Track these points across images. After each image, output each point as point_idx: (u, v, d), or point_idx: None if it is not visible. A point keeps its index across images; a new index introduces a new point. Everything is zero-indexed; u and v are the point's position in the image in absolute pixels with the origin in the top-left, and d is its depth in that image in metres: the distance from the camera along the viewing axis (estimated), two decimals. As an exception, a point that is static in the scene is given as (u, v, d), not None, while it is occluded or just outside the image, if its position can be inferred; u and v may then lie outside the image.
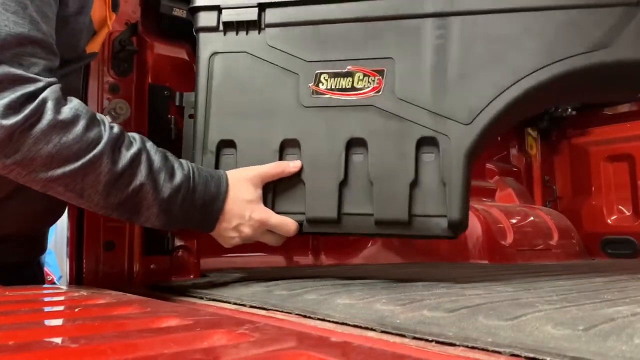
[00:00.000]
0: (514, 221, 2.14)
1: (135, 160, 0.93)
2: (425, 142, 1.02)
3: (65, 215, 1.35)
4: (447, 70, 1.03)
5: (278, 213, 1.07)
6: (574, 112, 2.49)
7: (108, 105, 1.36)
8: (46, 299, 0.95)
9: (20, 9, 0.87)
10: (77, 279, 1.32)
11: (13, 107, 0.83)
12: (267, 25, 1.13)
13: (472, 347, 0.59)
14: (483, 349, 0.58)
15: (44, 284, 1.38)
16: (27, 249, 1.24)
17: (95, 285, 1.26)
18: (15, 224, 1.14)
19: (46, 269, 3.21)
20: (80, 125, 0.89)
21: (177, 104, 1.28)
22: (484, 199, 2.42)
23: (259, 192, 1.06)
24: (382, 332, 0.69)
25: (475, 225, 2.01)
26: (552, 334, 0.58)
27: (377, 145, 1.04)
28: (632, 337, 0.54)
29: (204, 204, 1.01)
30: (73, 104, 0.90)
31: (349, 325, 0.74)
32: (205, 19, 1.15)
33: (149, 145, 0.97)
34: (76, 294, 0.93)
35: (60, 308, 0.85)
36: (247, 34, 1.14)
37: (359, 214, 1.05)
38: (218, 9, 1.14)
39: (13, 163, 0.86)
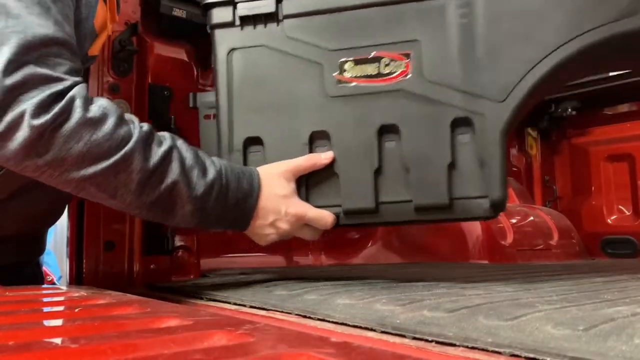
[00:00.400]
0: (514, 221, 2.14)
1: (167, 157, 0.92)
2: (460, 123, 1.01)
3: (65, 216, 1.35)
4: (476, 48, 1.01)
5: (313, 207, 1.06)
6: (574, 112, 2.49)
7: (108, 105, 1.35)
8: (46, 299, 0.95)
9: (43, 11, 0.87)
10: (77, 279, 1.32)
11: (42, 107, 0.82)
12: (285, 17, 1.10)
13: (472, 347, 0.59)
14: (483, 349, 0.58)
15: (43, 283, 1.38)
16: (26, 249, 1.24)
17: (95, 285, 1.26)
18: (16, 225, 1.14)
19: (46, 269, 3.22)
20: (110, 122, 0.88)
21: (191, 105, 1.25)
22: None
23: (293, 186, 1.04)
24: (382, 332, 0.69)
25: (475, 225, 2.01)
26: (552, 334, 0.58)
27: (410, 130, 1.03)
28: (632, 337, 0.54)
29: (238, 202, 0.99)
30: (101, 102, 0.90)
31: (349, 325, 0.73)
32: (221, 15, 1.13)
33: (180, 142, 0.96)
34: (76, 294, 0.93)
35: (60, 308, 0.85)
36: (265, 27, 1.11)
37: (397, 202, 1.03)
38: (233, 3, 1.12)
39: (45, 164, 0.85)
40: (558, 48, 0.99)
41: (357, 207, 1.05)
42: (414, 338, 0.64)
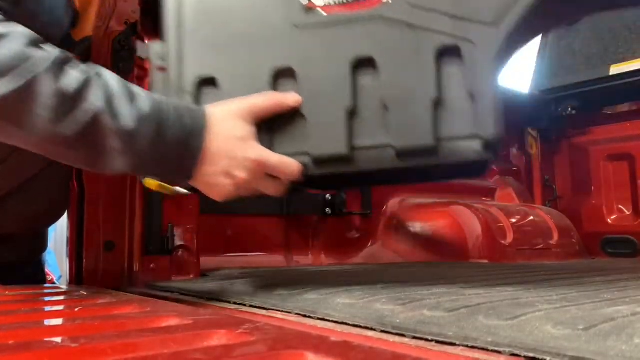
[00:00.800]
0: (514, 220, 2.14)
1: (87, 82, 0.79)
2: (447, 52, 0.87)
3: (65, 216, 1.35)
4: None
5: None
6: (574, 112, 2.49)
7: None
8: (46, 299, 0.95)
9: None
10: (77, 278, 1.32)
11: None
12: None
13: (472, 347, 0.59)
14: (483, 349, 0.58)
15: (44, 283, 1.38)
16: (27, 248, 1.24)
17: (95, 285, 1.26)
18: (16, 224, 1.14)
19: (46, 268, 3.22)
20: (17, 40, 0.76)
21: (139, 55, 1.10)
22: (484, 198, 2.43)
23: (251, 128, 0.88)
24: (382, 331, 0.69)
25: (475, 225, 2.01)
26: (552, 334, 0.58)
27: (389, 62, 0.89)
28: (632, 336, 0.54)
29: (178, 141, 0.83)
30: (11, 24, 0.79)
31: (349, 324, 0.73)
32: None
33: (108, 72, 0.83)
34: (76, 294, 0.93)
35: (60, 308, 0.85)
36: None
37: (375, 146, 0.88)
38: None
39: None
40: None
41: (327, 154, 0.89)
42: (414, 337, 0.64)
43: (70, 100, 0.77)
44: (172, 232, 1.42)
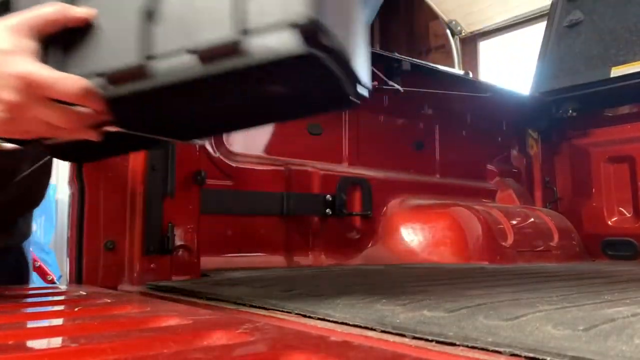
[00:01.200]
0: (514, 222, 2.14)
1: None
2: None
3: (65, 215, 1.35)
4: None
5: None
6: (574, 113, 2.49)
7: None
8: (46, 299, 0.95)
9: None
10: (77, 278, 1.32)
11: None
12: None
13: (472, 347, 0.59)
14: (483, 349, 0.58)
15: (29, 272, 1.37)
16: (5, 235, 1.22)
17: (96, 284, 1.26)
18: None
19: (46, 268, 3.22)
20: None
21: None
22: (484, 200, 2.43)
23: (27, 42, 0.73)
24: (382, 331, 0.69)
25: (475, 226, 2.01)
26: (553, 334, 0.58)
27: None
28: (633, 337, 0.54)
29: None
30: None
31: (349, 324, 0.73)
32: None
33: None
34: (76, 294, 0.93)
35: (60, 307, 0.85)
36: None
37: (173, 53, 0.71)
38: None
39: None
40: None
41: (117, 68, 0.73)
42: (414, 337, 0.64)
43: None
44: (172, 232, 1.42)
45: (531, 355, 0.54)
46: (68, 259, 1.35)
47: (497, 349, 0.57)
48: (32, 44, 0.73)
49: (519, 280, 1.14)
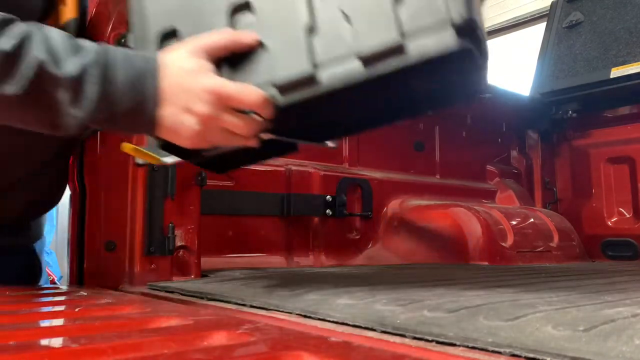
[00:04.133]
0: (514, 223, 2.14)
1: (26, 36, 0.77)
2: None
3: (66, 216, 1.35)
4: None
5: None
6: (574, 114, 2.49)
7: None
8: (47, 299, 0.95)
9: None
10: (78, 279, 1.32)
11: None
12: None
13: (473, 348, 0.59)
14: (483, 349, 0.58)
15: (40, 274, 1.38)
16: (12, 236, 1.23)
17: (96, 285, 1.26)
18: (14, 212, 1.14)
19: (47, 269, 3.22)
20: None
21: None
22: (484, 201, 2.43)
23: (204, 62, 0.83)
24: (383, 332, 0.69)
25: (475, 227, 2.01)
26: (553, 335, 0.58)
27: None
28: (633, 337, 0.54)
29: (130, 83, 0.79)
30: None
31: (349, 325, 0.73)
32: None
33: (51, 28, 0.80)
34: (77, 294, 0.94)
35: (61, 308, 0.85)
36: None
37: (339, 58, 0.80)
38: None
39: None
40: None
41: (290, 77, 0.82)
42: (414, 338, 0.64)
43: (12, 57, 0.76)
44: (173, 233, 1.42)
45: (531, 355, 0.54)
46: (69, 260, 1.35)
47: (497, 349, 0.57)
48: (210, 65, 0.83)
49: (519, 280, 1.14)
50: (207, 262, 1.50)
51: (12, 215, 1.16)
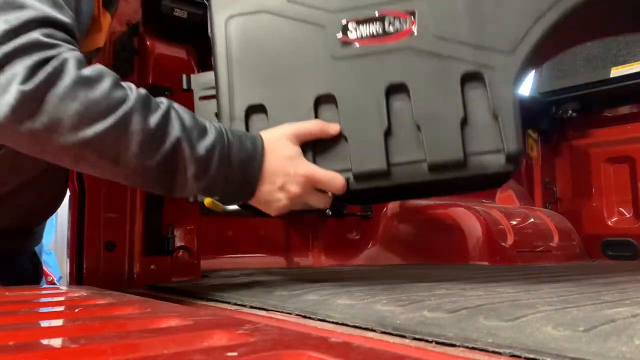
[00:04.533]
0: (514, 223, 2.14)
1: (166, 116, 0.88)
2: (470, 77, 0.98)
3: (65, 216, 1.35)
4: (482, 1, 1.00)
5: None
6: (574, 114, 2.49)
7: (109, 105, 1.35)
8: (46, 300, 0.95)
9: None
10: (77, 279, 1.32)
11: (34, 68, 0.80)
12: None
13: (472, 348, 0.59)
14: (483, 350, 0.58)
15: (41, 276, 1.38)
16: (21, 240, 1.24)
17: (96, 285, 1.26)
18: (9, 219, 1.15)
19: (46, 269, 3.21)
20: (106, 82, 0.84)
21: (185, 87, 1.20)
22: (484, 200, 2.43)
23: (298, 148, 0.99)
24: (382, 332, 0.69)
25: (475, 227, 2.01)
26: (553, 335, 0.58)
27: (419, 87, 0.99)
28: (633, 338, 0.54)
29: (242, 164, 0.94)
30: (97, 65, 0.87)
31: (349, 325, 0.73)
32: None
33: (177, 105, 0.93)
34: (76, 295, 0.93)
35: (61, 308, 0.84)
36: None
37: (410, 162, 0.99)
38: None
39: (41, 127, 0.80)
40: None
41: (367, 170, 1.00)
42: (414, 338, 0.64)
43: (157, 135, 0.86)
44: (172, 233, 1.42)
45: (531, 356, 0.54)
46: (68, 260, 1.35)
47: (497, 350, 0.57)
48: (299, 149, 0.99)
49: (519, 280, 1.14)
50: (207, 262, 1.50)
51: (18, 219, 1.16)
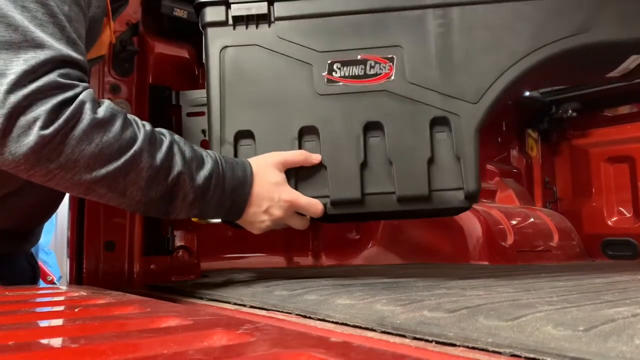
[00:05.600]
0: (514, 222, 2.14)
1: (170, 152, 0.96)
2: (438, 122, 1.11)
3: (65, 216, 1.35)
4: (452, 55, 1.12)
5: None
6: (574, 114, 2.49)
7: (109, 105, 1.35)
8: (46, 299, 0.95)
9: (58, 30, 0.90)
10: (77, 279, 1.32)
11: (54, 113, 0.84)
12: (276, 19, 1.16)
13: (473, 348, 0.59)
14: (483, 350, 0.58)
15: (39, 276, 1.38)
16: (19, 241, 1.24)
17: (96, 285, 1.26)
18: (9, 220, 1.15)
19: (46, 268, 3.21)
20: (118, 123, 0.91)
21: (173, 102, 1.29)
22: (484, 200, 2.43)
23: (283, 175, 1.09)
24: (383, 332, 0.69)
25: (475, 227, 2.01)
26: (553, 335, 0.58)
27: (393, 127, 1.11)
28: (633, 337, 0.54)
29: (234, 189, 1.03)
30: (106, 104, 0.92)
31: (349, 325, 0.73)
32: (214, 14, 1.17)
33: (177, 137, 1.00)
34: (76, 294, 0.93)
35: (60, 308, 0.84)
36: (257, 27, 1.16)
37: (381, 193, 1.11)
38: (226, 3, 1.16)
39: (57, 167, 0.86)
40: (524, 57, 1.12)
41: (344, 198, 1.11)
42: (414, 338, 0.64)
43: (161, 171, 0.94)
44: (172, 233, 1.42)
45: (531, 356, 0.54)
46: (68, 260, 1.35)
47: (497, 349, 0.57)
48: (284, 176, 1.09)
49: (519, 280, 1.14)
50: (206, 262, 1.50)
51: (18, 220, 1.17)
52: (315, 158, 1.11)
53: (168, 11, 1.45)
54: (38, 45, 0.86)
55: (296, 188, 1.11)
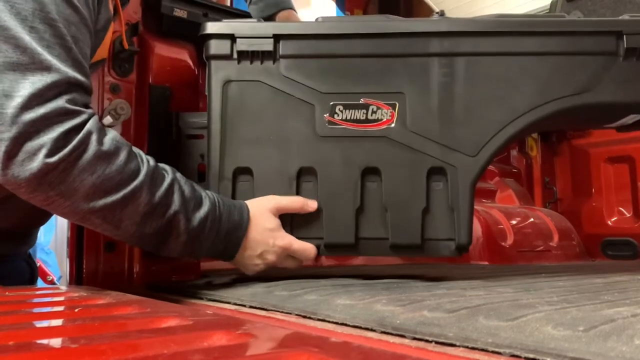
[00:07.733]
0: (514, 222, 2.14)
1: (170, 190, 0.96)
2: (435, 172, 1.11)
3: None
4: (454, 106, 1.12)
5: (297, 238, 1.11)
6: (574, 114, 2.49)
7: (109, 105, 1.36)
8: (46, 300, 0.95)
9: (64, 51, 0.90)
10: (77, 279, 1.32)
11: (60, 141, 0.85)
12: (282, 56, 1.15)
13: (472, 348, 0.59)
14: (483, 350, 0.58)
15: (37, 276, 1.38)
16: (17, 243, 1.24)
17: (96, 285, 1.26)
18: (6, 223, 1.15)
19: (46, 269, 3.21)
20: (122, 156, 0.91)
21: (173, 123, 1.29)
22: (484, 200, 2.43)
23: (278, 221, 1.10)
24: (382, 332, 0.69)
25: (475, 227, 2.00)
26: (553, 335, 0.58)
27: (390, 174, 1.11)
28: (633, 338, 0.54)
29: (228, 232, 1.04)
30: (112, 135, 0.93)
31: (349, 325, 0.73)
32: (218, 46, 1.16)
33: (179, 175, 1.01)
34: (76, 295, 0.93)
35: (60, 308, 0.85)
36: (261, 63, 1.15)
37: (375, 238, 1.12)
38: (232, 37, 1.15)
39: (57, 194, 0.87)
40: (525, 113, 1.12)
41: (338, 242, 1.12)
42: (414, 338, 0.64)
43: (158, 208, 0.95)
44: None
45: (531, 356, 0.54)
46: (68, 260, 1.35)
47: (497, 349, 0.57)
48: (279, 221, 1.10)
49: (519, 280, 1.14)
50: (206, 262, 1.50)
51: (17, 222, 1.17)
52: (312, 206, 1.11)
53: (168, 11, 1.45)
54: (45, 68, 0.87)
55: (291, 228, 1.12)
